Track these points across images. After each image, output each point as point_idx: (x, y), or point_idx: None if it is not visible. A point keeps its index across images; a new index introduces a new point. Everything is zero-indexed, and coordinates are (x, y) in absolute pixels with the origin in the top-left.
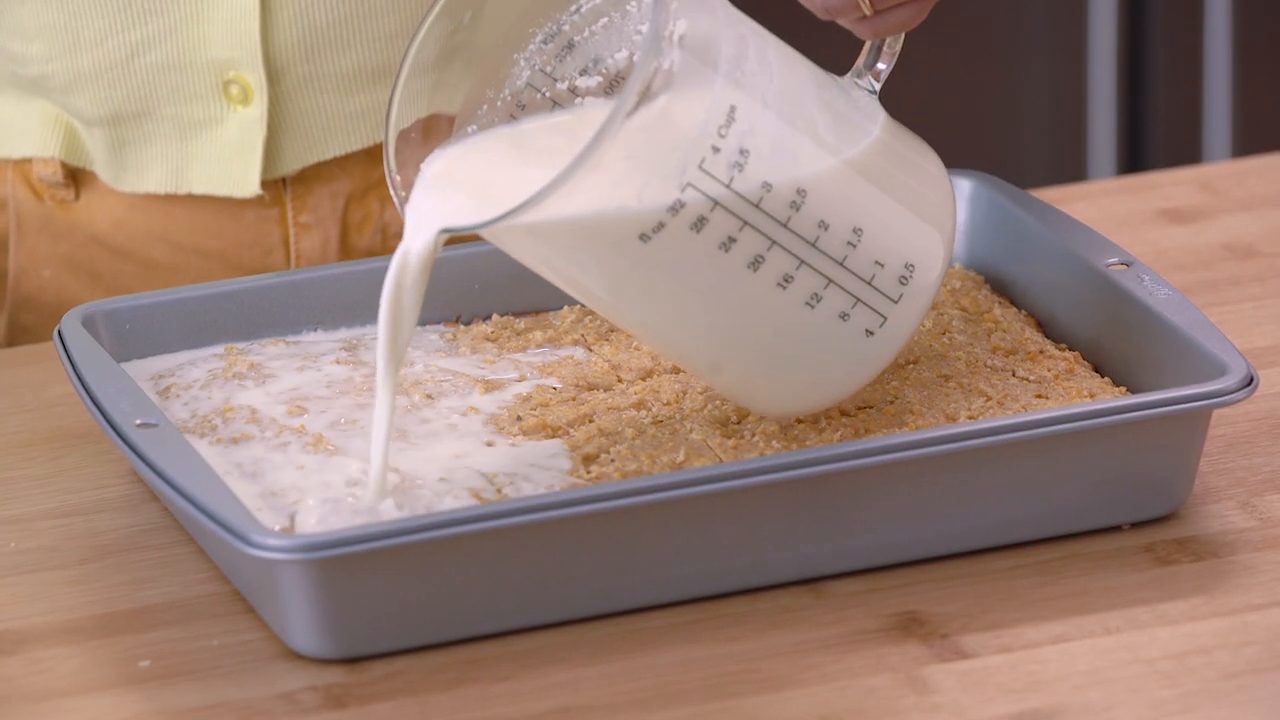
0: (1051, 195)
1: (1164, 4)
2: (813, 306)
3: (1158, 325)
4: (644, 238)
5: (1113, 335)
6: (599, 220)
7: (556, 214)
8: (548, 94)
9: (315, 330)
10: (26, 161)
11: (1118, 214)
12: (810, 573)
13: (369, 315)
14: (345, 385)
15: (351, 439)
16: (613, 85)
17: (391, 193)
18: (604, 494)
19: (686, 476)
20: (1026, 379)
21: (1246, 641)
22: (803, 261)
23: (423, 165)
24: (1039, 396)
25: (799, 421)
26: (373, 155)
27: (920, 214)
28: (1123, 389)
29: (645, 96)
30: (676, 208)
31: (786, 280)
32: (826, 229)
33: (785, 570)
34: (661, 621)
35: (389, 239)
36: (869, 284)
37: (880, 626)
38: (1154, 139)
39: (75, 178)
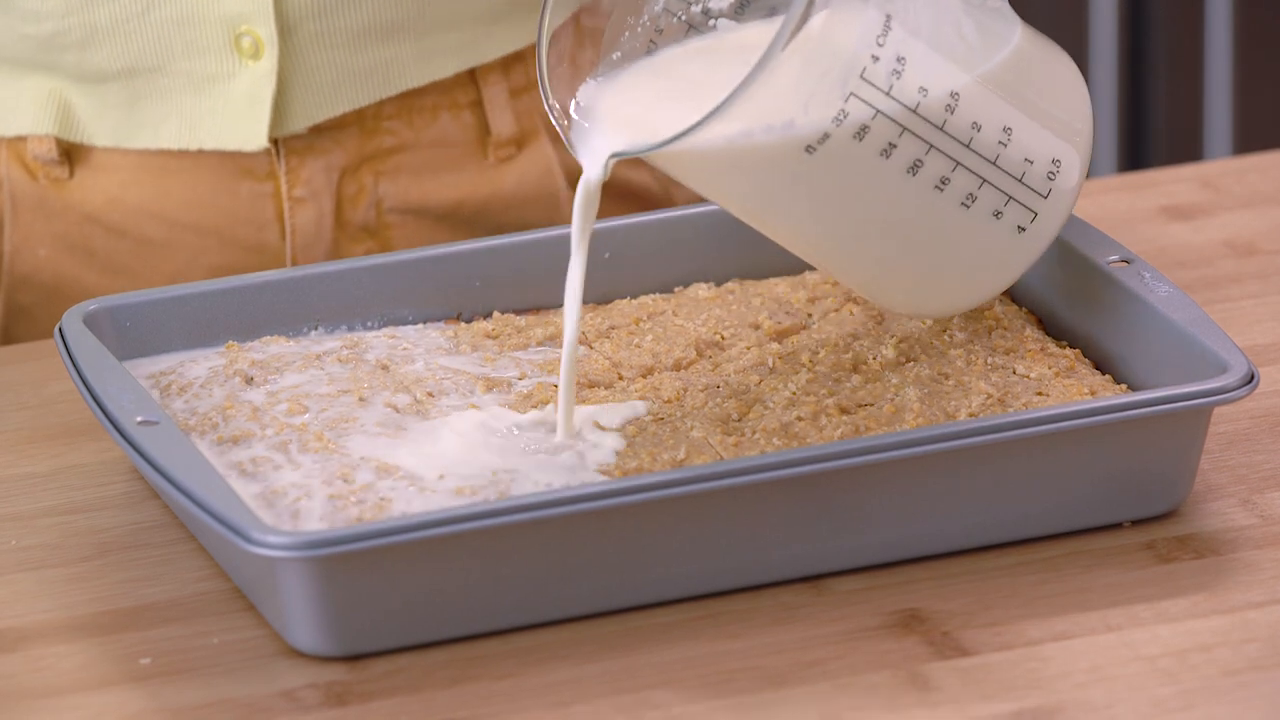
0: None
1: (1164, 3)
2: (968, 206)
3: (1158, 323)
4: (810, 149)
5: (1113, 333)
6: (766, 136)
7: (723, 134)
8: (683, 17)
9: (317, 328)
10: (19, 140)
11: (1118, 211)
12: (811, 570)
13: (371, 313)
14: (347, 384)
15: (352, 438)
16: (743, 5)
17: (553, 121)
18: (605, 491)
19: (687, 474)
20: (1027, 376)
21: (1248, 639)
22: (958, 163)
23: (578, 97)
24: (1039, 394)
25: (799, 419)
26: (365, 128)
27: (1062, 114)
28: (1123, 386)
29: (807, 15)
30: (840, 118)
31: (944, 182)
32: (979, 130)
33: (786, 568)
34: (663, 619)
35: (383, 214)
36: (1020, 181)
37: (881, 624)
38: (1154, 136)
39: (69, 155)
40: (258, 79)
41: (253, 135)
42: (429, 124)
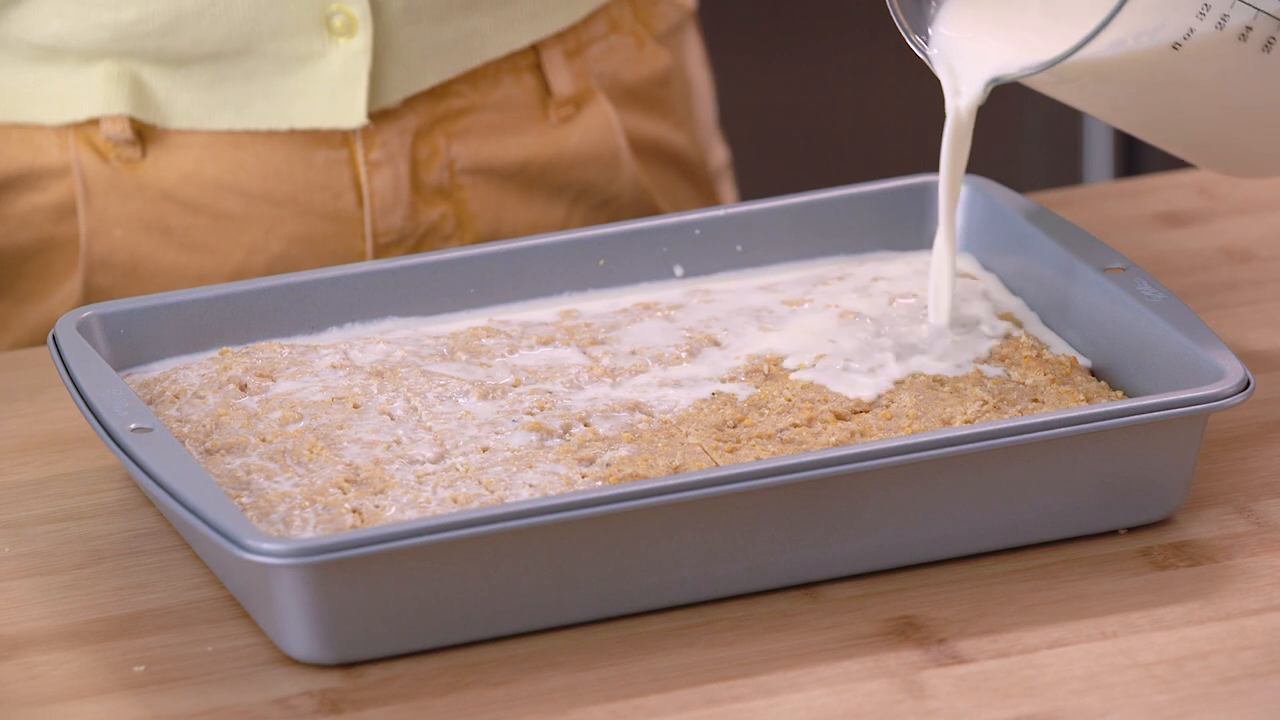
0: (1049, 199)
1: None
2: None
3: (1154, 329)
4: (1176, 46)
5: (1110, 339)
6: (1139, 42)
7: (1098, 46)
8: None
9: (311, 334)
10: (88, 124)
11: (1115, 218)
12: (807, 577)
13: (365, 318)
14: (341, 390)
15: (346, 446)
16: None
17: (917, 51)
18: (600, 498)
19: (683, 480)
20: (1022, 383)
21: (1243, 646)
22: None
23: (937, 21)
24: (1035, 400)
25: (794, 425)
26: (434, 92)
27: None
28: (1119, 393)
29: None
30: (1203, 11)
31: None
32: None
33: (782, 575)
34: (658, 626)
35: (456, 175)
36: None
37: (877, 631)
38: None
39: (142, 135)
40: (351, 56)
41: (350, 112)
42: (493, 86)
